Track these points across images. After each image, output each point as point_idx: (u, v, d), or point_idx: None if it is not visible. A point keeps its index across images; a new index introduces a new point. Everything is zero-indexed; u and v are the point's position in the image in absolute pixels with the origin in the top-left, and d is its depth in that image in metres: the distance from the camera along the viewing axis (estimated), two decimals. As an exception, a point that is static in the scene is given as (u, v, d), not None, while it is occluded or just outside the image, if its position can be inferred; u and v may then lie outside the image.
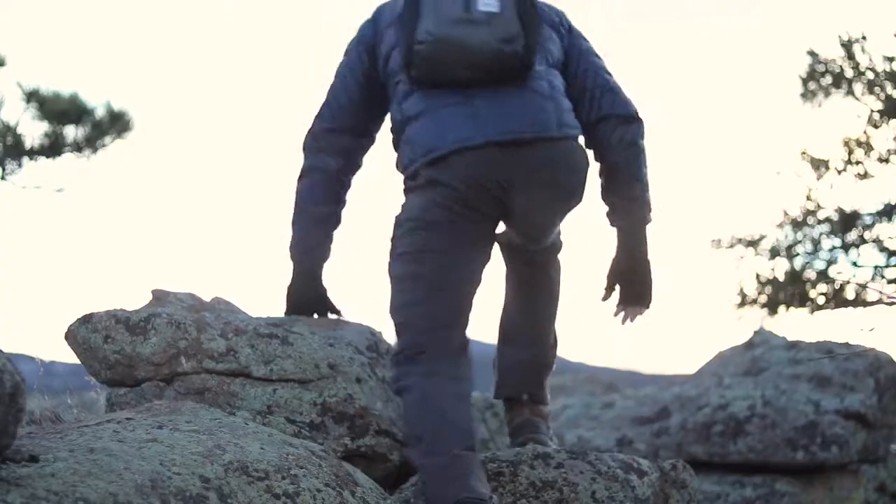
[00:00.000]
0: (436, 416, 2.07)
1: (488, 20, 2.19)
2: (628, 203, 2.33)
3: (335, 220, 2.48)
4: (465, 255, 2.24)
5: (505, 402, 2.50)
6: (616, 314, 2.38)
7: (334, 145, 2.45)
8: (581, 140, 2.31)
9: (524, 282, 2.47)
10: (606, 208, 2.35)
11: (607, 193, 2.34)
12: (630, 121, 2.34)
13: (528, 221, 2.29)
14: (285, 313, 2.45)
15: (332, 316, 2.49)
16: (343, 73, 2.44)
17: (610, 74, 2.39)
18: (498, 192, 2.20)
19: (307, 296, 2.45)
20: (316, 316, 2.46)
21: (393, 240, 2.29)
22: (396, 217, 2.28)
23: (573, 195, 2.28)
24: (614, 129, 2.33)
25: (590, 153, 2.34)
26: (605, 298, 2.36)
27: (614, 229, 2.35)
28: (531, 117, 2.22)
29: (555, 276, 2.50)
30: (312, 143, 2.45)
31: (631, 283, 2.35)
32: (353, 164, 2.50)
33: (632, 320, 2.40)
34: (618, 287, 2.35)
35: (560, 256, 2.52)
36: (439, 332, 2.18)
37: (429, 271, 2.20)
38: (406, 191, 2.29)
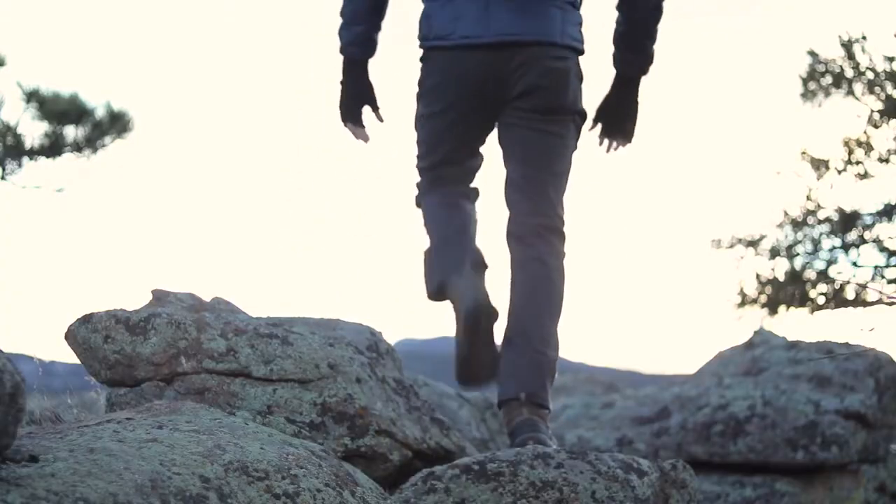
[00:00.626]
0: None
1: None
2: (635, 55, 2.61)
3: (383, 13, 2.70)
4: (467, 123, 2.61)
5: (504, 406, 2.50)
6: (601, 143, 2.69)
7: None
8: (580, 57, 2.57)
9: (527, 284, 2.57)
10: (615, 52, 2.64)
11: (621, 42, 2.62)
12: None
13: (514, 138, 2.57)
14: (340, 107, 2.72)
15: (371, 116, 2.74)
16: None
17: None
18: (496, 82, 2.51)
19: (359, 91, 2.71)
20: (366, 108, 2.73)
21: (417, 98, 2.68)
22: (419, 80, 2.65)
23: (557, 99, 2.52)
24: None
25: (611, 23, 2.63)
26: (591, 129, 2.66)
27: (615, 70, 2.65)
28: (538, 22, 2.45)
29: (558, 281, 2.60)
30: None
31: (619, 118, 2.64)
32: None
33: (614, 150, 2.70)
34: (608, 121, 2.67)
35: (566, 263, 2.64)
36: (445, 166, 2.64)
37: (439, 128, 2.61)
38: (421, 59, 2.64)
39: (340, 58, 2.71)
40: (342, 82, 2.71)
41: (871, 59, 7.22)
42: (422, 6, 2.62)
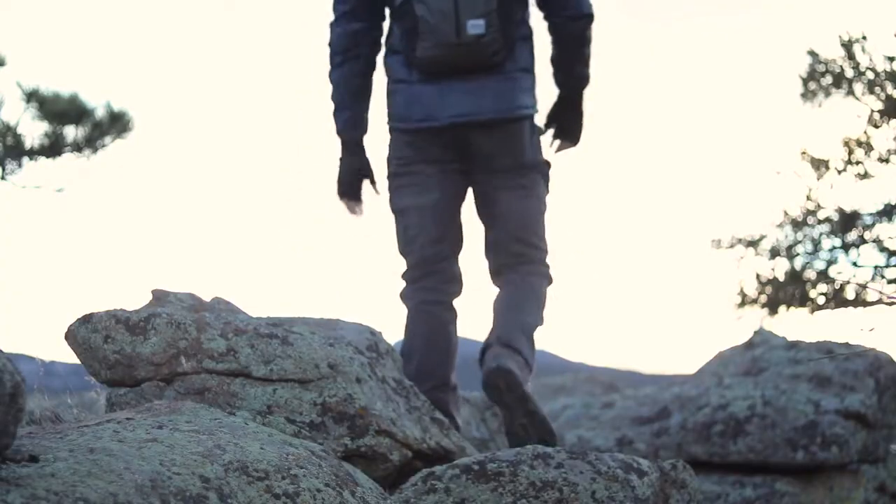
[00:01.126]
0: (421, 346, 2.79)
1: (476, 41, 2.68)
2: (566, 77, 2.94)
3: (369, 90, 2.93)
4: (440, 192, 2.85)
5: (482, 354, 2.74)
6: (551, 145, 3.00)
7: (359, 35, 2.85)
8: (535, 117, 2.87)
9: (511, 290, 2.87)
10: (552, 72, 2.95)
11: (554, 66, 2.94)
12: (579, 17, 2.85)
13: (489, 198, 2.87)
14: (338, 182, 2.92)
15: (369, 188, 2.93)
16: None
17: None
18: (456, 152, 2.81)
19: (356, 167, 2.91)
20: (366, 182, 2.92)
21: (388, 177, 2.91)
22: (387, 157, 2.90)
23: (516, 160, 2.83)
24: (565, 24, 2.85)
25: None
26: (542, 133, 2.95)
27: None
28: (490, 100, 2.75)
29: (539, 288, 2.88)
30: (340, 39, 2.85)
31: (567, 125, 2.98)
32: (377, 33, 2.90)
33: (563, 150, 3.02)
34: (555, 126, 2.98)
35: (552, 274, 2.93)
36: (427, 253, 2.85)
37: (414, 206, 2.85)
38: (390, 130, 2.89)
39: (338, 140, 2.92)
40: (341, 160, 2.92)
41: (871, 59, 7.22)
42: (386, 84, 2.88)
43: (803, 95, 7.62)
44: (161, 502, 1.45)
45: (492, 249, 2.91)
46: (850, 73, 7.27)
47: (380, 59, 2.91)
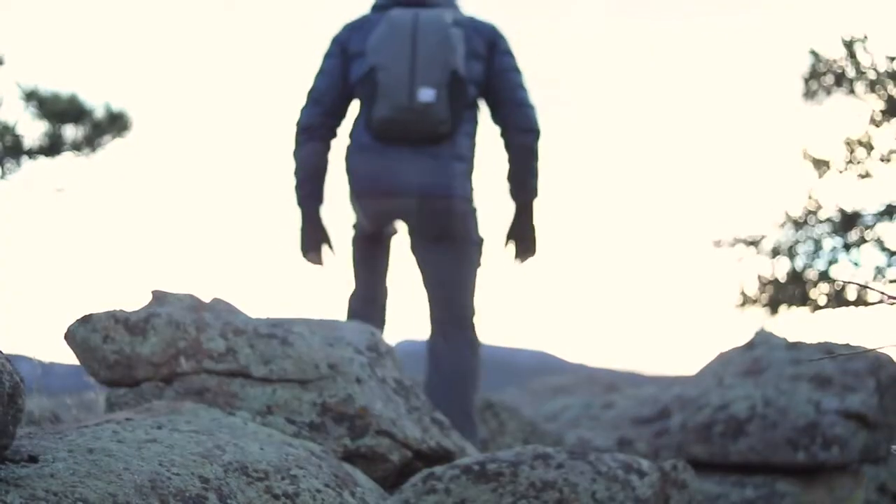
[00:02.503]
0: None
1: (426, 110, 2.99)
2: (519, 189, 3.23)
3: (326, 167, 3.28)
4: (377, 249, 3.30)
5: None
6: (518, 259, 3.29)
7: (321, 121, 3.23)
8: (467, 198, 3.16)
9: (444, 379, 3.16)
10: (507, 186, 3.24)
11: (510, 182, 3.23)
12: (528, 131, 3.16)
13: (421, 261, 3.19)
14: (300, 244, 3.26)
15: (326, 251, 3.28)
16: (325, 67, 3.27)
17: (523, 89, 3.18)
18: (394, 218, 3.19)
19: (316, 232, 3.26)
20: (325, 248, 3.27)
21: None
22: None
23: (446, 232, 3.13)
24: (515, 136, 3.18)
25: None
26: (503, 249, 3.28)
27: (512, 203, 3.25)
28: (424, 178, 3.07)
29: (464, 366, 3.17)
30: (306, 120, 3.23)
31: (523, 239, 3.27)
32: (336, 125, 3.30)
33: (523, 262, 3.31)
34: (513, 242, 3.27)
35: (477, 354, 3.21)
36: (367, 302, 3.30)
37: (360, 258, 3.30)
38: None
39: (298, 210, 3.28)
40: (301, 228, 3.27)
41: (872, 59, 7.22)
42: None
43: (805, 95, 7.62)
44: (160, 503, 1.45)
45: (429, 305, 3.22)
46: (851, 72, 7.27)
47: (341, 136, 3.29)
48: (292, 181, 3.24)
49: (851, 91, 7.32)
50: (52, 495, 1.34)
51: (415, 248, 3.19)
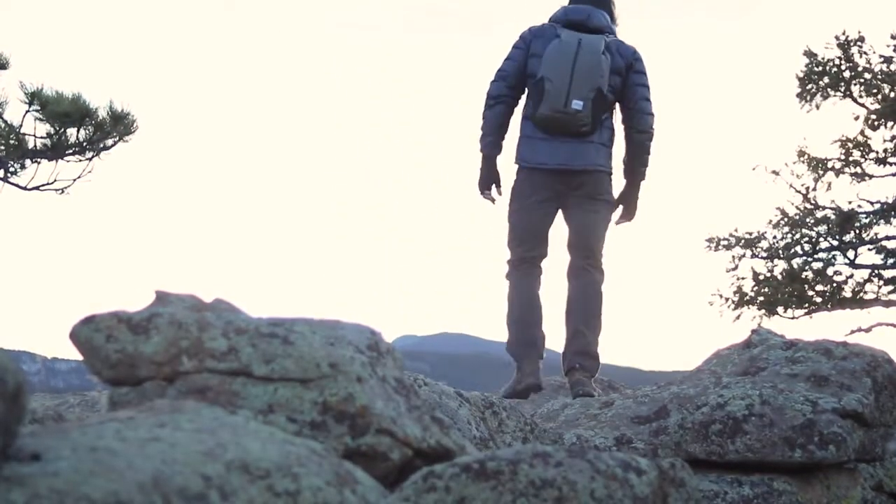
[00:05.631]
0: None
1: (576, 114, 4.34)
2: (632, 173, 4.71)
3: (506, 127, 4.69)
4: (541, 213, 4.61)
5: (568, 373, 4.53)
6: (618, 222, 4.72)
7: (506, 92, 4.61)
8: (609, 171, 4.67)
9: (578, 295, 4.55)
10: (623, 169, 4.70)
11: (625, 165, 4.70)
12: (644, 132, 4.57)
13: (571, 215, 4.62)
14: (479, 183, 4.64)
15: (494, 192, 4.75)
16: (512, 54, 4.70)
17: (647, 101, 4.53)
18: (557, 190, 4.58)
19: (492, 175, 4.68)
20: (493, 188, 4.75)
21: (511, 196, 4.66)
22: (512, 186, 4.65)
23: (598, 201, 4.60)
24: (635, 135, 4.62)
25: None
26: (613, 212, 4.68)
27: (625, 179, 4.74)
28: (582, 156, 4.47)
29: (597, 286, 4.56)
30: (495, 91, 4.61)
31: (628, 206, 4.74)
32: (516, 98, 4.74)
33: (623, 223, 4.76)
34: (621, 206, 4.71)
35: (604, 282, 4.61)
36: (528, 251, 4.59)
37: (524, 217, 4.62)
38: (518, 170, 4.64)
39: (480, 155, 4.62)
40: (481, 169, 4.62)
41: (868, 61, 7.24)
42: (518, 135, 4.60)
43: (800, 96, 7.65)
44: (163, 500, 1.46)
45: (571, 249, 4.60)
46: (847, 74, 7.29)
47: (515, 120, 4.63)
48: (479, 134, 4.51)
49: (847, 93, 7.34)
50: (55, 493, 1.35)
51: (570, 207, 4.54)
